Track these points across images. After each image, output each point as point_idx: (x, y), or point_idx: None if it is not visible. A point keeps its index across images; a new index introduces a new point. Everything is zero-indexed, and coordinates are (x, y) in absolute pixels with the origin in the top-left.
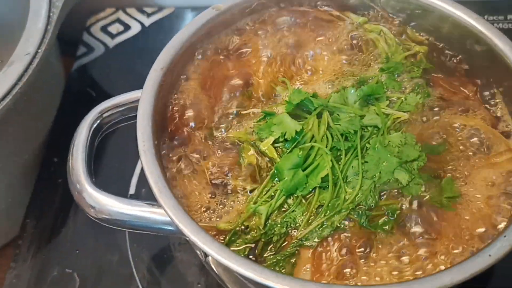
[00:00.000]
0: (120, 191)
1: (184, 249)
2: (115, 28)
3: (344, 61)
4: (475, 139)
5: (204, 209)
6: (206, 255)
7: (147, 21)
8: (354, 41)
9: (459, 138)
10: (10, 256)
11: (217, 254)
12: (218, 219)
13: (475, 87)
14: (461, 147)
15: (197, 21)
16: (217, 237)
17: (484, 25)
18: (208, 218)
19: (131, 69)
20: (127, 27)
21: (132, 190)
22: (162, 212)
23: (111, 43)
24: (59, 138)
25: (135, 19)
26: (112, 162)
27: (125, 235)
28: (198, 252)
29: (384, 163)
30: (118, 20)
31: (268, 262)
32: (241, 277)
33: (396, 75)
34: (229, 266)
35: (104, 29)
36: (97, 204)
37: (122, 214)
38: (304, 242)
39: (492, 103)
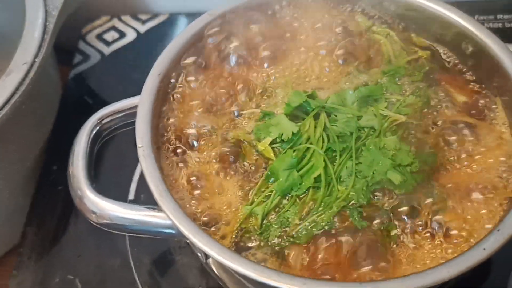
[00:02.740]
0: (119, 197)
1: (184, 253)
2: (110, 36)
3: (344, 62)
4: (467, 132)
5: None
6: (207, 257)
7: (142, 28)
8: (358, 42)
9: (453, 135)
10: (12, 264)
11: (218, 255)
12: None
13: (475, 91)
14: (454, 144)
15: (193, 27)
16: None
17: (474, 25)
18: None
19: (127, 76)
20: (122, 35)
21: (131, 196)
22: (163, 216)
23: (107, 50)
24: (58, 146)
25: (130, 26)
26: (111, 168)
27: (125, 240)
28: (199, 255)
29: (378, 164)
30: (114, 28)
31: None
32: (242, 278)
33: (397, 78)
34: (230, 267)
35: (99, 37)
36: (98, 209)
37: (123, 219)
38: (294, 239)
39: (492, 107)
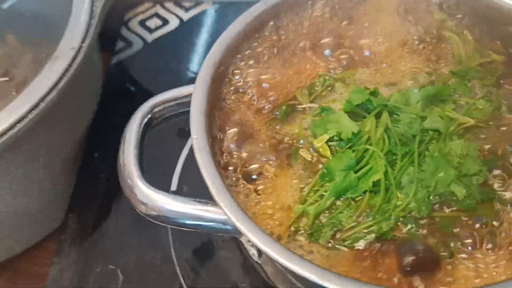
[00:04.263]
0: (161, 188)
1: (227, 247)
2: (153, 23)
3: (412, 59)
4: None
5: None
6: (260, 254)
7: (185, 16)
8: (429, 39)
9: None
10: (52, 250)
11: (277, 255)
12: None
13: None
14: None
15: (248, 15)
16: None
17: None
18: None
19: (170, 64)
20: (165, 22)
21: (173, 187)
22: (218, 211)
23: (150, 37)
24: (100, 133)
25: (173, 13)
26: (152, 157)
27: (167, 232)
28: (251, 252)
29: (441, 174)
30: (156, 15)
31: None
32: (297, 279)
33: (467, 80)
34: (289, 267)
35: (142, 23)
36: (149, 200)
37: (174, 212)
38: (346, 243)
39: None
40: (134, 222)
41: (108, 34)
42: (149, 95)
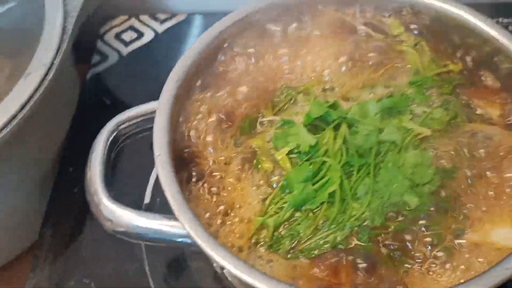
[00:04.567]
0: (135, 200)
1: (199, 259)
2: (128, 36)
3: (369, 73)
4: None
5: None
6: (222, 268)
7: (160, 28)
8: (386, 52)
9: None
10: (28, 264)
11: (236, 269)
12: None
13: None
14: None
15: (213, 30)
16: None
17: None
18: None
19: (145, 76)
20: (140, 35)
21: (147, 200)
22: (180, 225)
23: (125, 50)
24: (75, 147)
25: (148, 26)
26: (127, 170)
27: (141, 245)
28: (215, 264)
29: (395, 185)
30: (132, 28)
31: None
32: None
33: (424, 89)
34: (247, 281)
35: (118, 36)
36: (114, 217)
37: (138, 227)
38: (303, 253)
39: None
40: (108, 236)
41: (84, 47)
42: (125, 108)
